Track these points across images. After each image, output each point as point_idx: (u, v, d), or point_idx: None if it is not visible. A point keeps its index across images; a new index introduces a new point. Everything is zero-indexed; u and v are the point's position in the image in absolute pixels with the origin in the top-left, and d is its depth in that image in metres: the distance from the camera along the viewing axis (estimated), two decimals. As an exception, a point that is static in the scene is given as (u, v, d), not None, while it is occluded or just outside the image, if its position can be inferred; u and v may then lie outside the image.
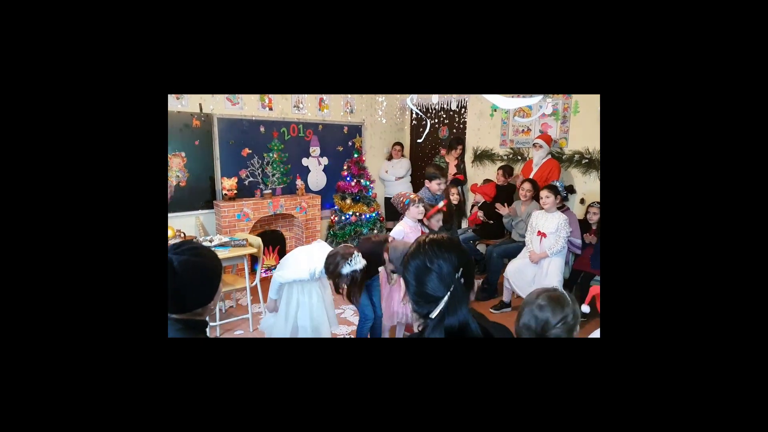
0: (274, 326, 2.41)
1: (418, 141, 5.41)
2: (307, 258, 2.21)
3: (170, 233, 3.11)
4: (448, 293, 0.85)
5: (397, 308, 2.68)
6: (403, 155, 5.38)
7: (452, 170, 4.78)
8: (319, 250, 2.21)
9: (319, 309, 2.36)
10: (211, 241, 3.22)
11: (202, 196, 4.00)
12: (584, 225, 3.52)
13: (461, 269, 0.87)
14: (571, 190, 3.98)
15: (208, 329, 1.11)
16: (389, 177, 5.31)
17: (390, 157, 5.41)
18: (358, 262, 1.99)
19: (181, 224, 3.69)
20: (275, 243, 4.47)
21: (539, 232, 3.25)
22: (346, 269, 2.00)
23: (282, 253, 4.42)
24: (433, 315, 0.85)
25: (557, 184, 3.47)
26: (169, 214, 3.71)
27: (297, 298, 2.35)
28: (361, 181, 4.83)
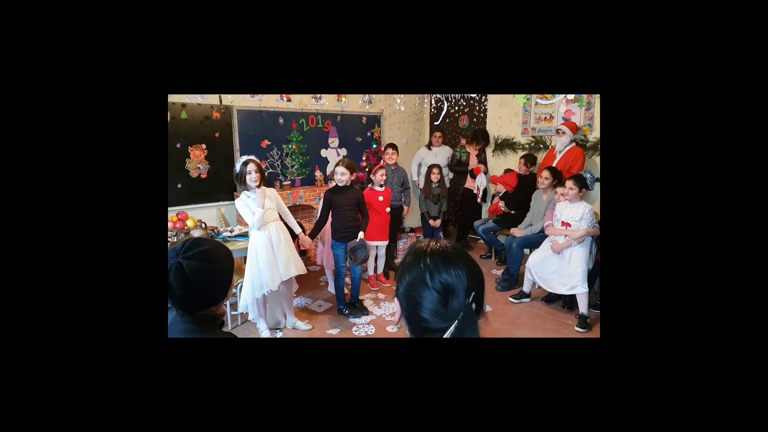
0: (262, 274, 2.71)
1: (435, 123, 5.32)
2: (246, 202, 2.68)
3: (191, 223, 3.16)
4: (455, 323, 0.66)
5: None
6: (444, 143, 5.10)
7: (473, 161, 4.70)
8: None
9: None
10: (231, 232, 3.27)
11: (222, 187, 4.06)
12: None
13: (473, 292, 0.68)
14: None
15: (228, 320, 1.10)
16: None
17: (429, 146, 5.14)
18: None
19: (203, 215, 3.75)
20: (294, 234, 4.49)
21: (563, 222, 3.17)
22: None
23: (301, 244, 4.45)
24: None
25: (588, 175, 3.37)
26: (191, 206, 3.78)
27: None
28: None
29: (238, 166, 2.63)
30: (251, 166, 2.61)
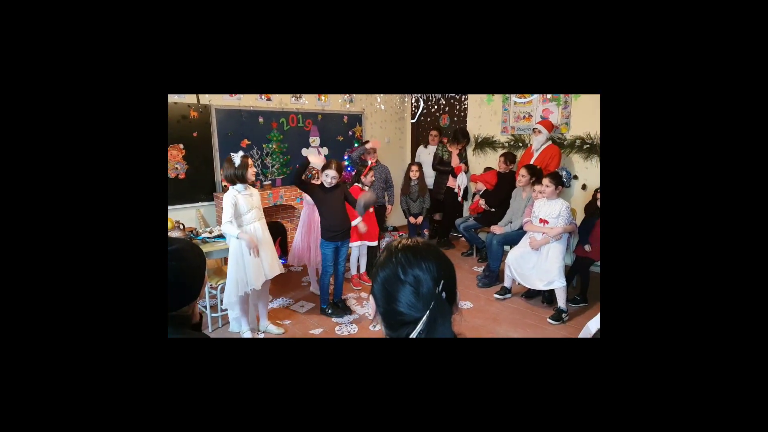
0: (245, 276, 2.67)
1: (412, 121, 5.37)
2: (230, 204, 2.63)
3: (169, 225, 3.11)
4: (428, 312, 0.69)
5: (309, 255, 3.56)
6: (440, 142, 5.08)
7: (455, 160, 4.73)
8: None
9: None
10: (210, 233, 3.22)
11: (202, 188, 4.00)
12: (593, 209, 3.45)
13: (442, 282, 0.72)
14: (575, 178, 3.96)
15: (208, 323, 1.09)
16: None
17: (427, 144, 5.15)
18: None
19: (181, 216, 3.69)
20: (276, 234, 4.44)
21: (541, 219, 3.23)
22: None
23: (283, 245, 4.42)
24: None
25: (564, 173, 3.43)
26: (169, 207, 3.71)
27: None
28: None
29: (238, 159, 2.61)
30: (250, 161, 2.66)
